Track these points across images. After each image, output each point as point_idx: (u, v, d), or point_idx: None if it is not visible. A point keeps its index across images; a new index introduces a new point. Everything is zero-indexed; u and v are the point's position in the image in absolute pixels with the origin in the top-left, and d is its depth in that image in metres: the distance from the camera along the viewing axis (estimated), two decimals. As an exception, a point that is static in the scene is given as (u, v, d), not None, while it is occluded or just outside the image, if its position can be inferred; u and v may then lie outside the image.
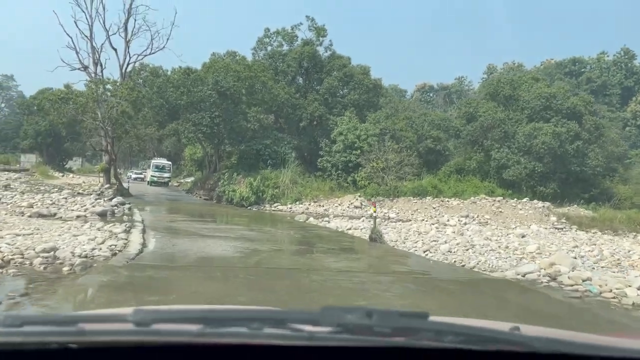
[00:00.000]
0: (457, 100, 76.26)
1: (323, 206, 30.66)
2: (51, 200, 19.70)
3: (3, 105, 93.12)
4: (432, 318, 1.19)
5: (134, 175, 61.09)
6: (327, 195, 32.25)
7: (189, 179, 49.36)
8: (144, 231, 12.51)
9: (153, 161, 49.85)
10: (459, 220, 27.80)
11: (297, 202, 30.79)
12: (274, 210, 29.99)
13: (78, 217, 14.31)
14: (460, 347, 1.11)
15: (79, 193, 27.95)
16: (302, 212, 29.14)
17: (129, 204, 22.33)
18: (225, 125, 33.04)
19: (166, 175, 48.31)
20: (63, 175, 47.29)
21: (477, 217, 29.10)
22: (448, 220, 24.97)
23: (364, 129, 34.83)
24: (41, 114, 34.50)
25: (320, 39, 42.84)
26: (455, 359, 1.15)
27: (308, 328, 1.07)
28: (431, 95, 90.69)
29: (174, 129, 33.51)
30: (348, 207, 30.52)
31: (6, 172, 47.01)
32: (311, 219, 20.87)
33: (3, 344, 0.97)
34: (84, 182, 36.13)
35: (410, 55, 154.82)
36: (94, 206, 17.53)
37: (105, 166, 30.31)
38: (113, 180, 30.55)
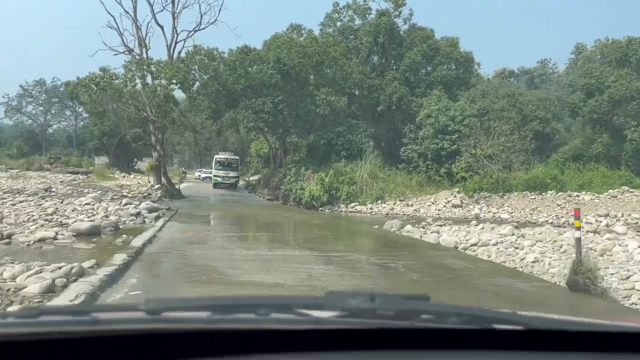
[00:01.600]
0: (541, 85, 67.19)
1: (412, 205, 24.48)
2: (66, 208, 15.25)
3: (81, 109, 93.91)
4: (433, 301, 1.20)
5: (203, 175, 57.10)
6: (415, 192, 26.01)
7: (255, 177, 44.54)
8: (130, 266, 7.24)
9: (215, 157, 39.29)
10: (596, 220, 20.86)
11: (379, 201, 24.85)
12: (350, 212, 24.25)
13: (43, 240, 9.26)
14: (462, 328, 1.12)
15: (122, 196, 23.85)
16: (387, 214, 23.18)
17: (166, 209, 17.58)
18: (290, 112, 27.74)
19: (233, 174, 37.94)
20: (124, 176, 44.44)
21: (622, 216, 21.77)
22: (609, 225, 17.95)
23: (459, 109, 28.15)
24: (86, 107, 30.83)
25: (399, 9, 36.45)
26: (458, 341, 1.12)
27: (314, 313, 1.10)
28: (512, 80, 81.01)
29: (232, 119, 28.74)
30: (444, 206, 24.14)
31: (70, 175, 45.19)
32: (408, 226, 14.86)
33: (22, 335, 0.99)
34: (138, 183, 32.38)
35: (486, 39, 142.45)
36: (107, 216, 12.91)
37: (155, 164, 26.04)
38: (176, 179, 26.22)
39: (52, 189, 25.60)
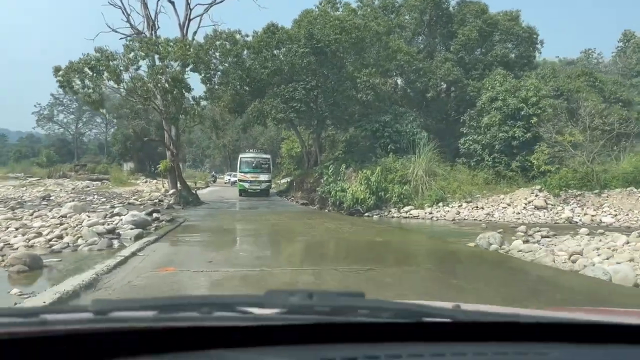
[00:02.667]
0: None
1: (482, 208, 19.51)
2: (29, 222, 11.13)
3: (109, 115, 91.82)
4: (368, 297, 1.25)
5: (232, 178, 51.01)
6: (483, 191, 21.02)
7: (286, 180, 40.01)
8: None
9: (241, 156, 31.01)
10: None
11: (440, 204, 19.99)
12: (405, 218, 19.48)
13: None
14: (394, 321, 1.16)
15: (129, 203, 19.88)
16: (454, 220, 18.34)
17: (168, 220, 13.30)
18: (325, 99, 23.28)
19: (264, 177, 29.83)
20: (146, 182, 40.94)
21: None
22: None
23: (532, 89, 22.98)
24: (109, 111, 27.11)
25: (447, -19, 31.47)
26: (392, 334, 1.16)
27: (255, 310, 1.12)
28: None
29: (258, 110, 24.39)
30: (524, 208, 19.07)
31: (88, 181, 42.26)
32: (517, 242, 9.99)
33: None
34: (156, 188, 28.53)
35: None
36: (61, 236, 8.78)
37: (169, 165, 21.96)
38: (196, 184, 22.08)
39: (51, 197, 21.94)
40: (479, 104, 24.86)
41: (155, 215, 13.65)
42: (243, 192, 29.34)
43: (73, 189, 31.42)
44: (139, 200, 20.70)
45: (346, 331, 1.13)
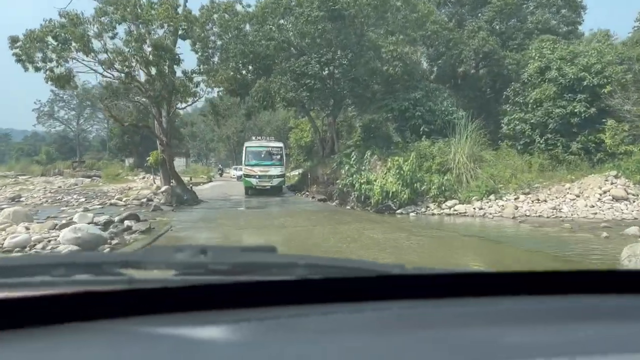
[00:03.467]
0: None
1: (545, 201, 15.72)
2: None
3: (84, 99, 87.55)
4: (280, 252, 1.09)
5: (238, 173, 46.46)
6: (540, 179, 17.20)
7: (297, 172, 36.17)
8: None
9: (246, 145, 25.51)
10: None
11: (492, 197, 16.23)
12: (448, 214, 15.80)
13: None
14: (306, 279, 1.02)
15: (111, 204, 16.40)
16: (514, 216, 14.58)
17: (142, 231, 9.73)
18: (344, 74, 19.51)
19: (275, 170, 24.22)
20: (144, 178, 37.52)
21: None
22: None
23: (595, 53, 19.04)
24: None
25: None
26: (312, 297, 0.98)
27: (130, 272, 0.94)
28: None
29: (264, 89, 20.59)
30: (599, 200, 15.24)
31: (82, 178, 39.23)
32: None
33: None
34: (149, 185, 25.02)
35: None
36: None
37: (160, 157, 18.34)
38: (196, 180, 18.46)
39: (22, 198, 18.46)
40: (525, 76, 20.96)
41: (127, 223, 10.07)
42: (250, 190, 23.76)
43: (59, 187, 28.09)
44: (124, 199, 17.14)
45: (253, 292, 0.90)
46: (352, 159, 18.14)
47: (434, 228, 13.37)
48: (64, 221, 9.53)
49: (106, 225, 9.34)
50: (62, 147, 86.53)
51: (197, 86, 17.39)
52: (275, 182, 23.99)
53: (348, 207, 18.90)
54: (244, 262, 1.03)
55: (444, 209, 16.38)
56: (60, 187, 27.85)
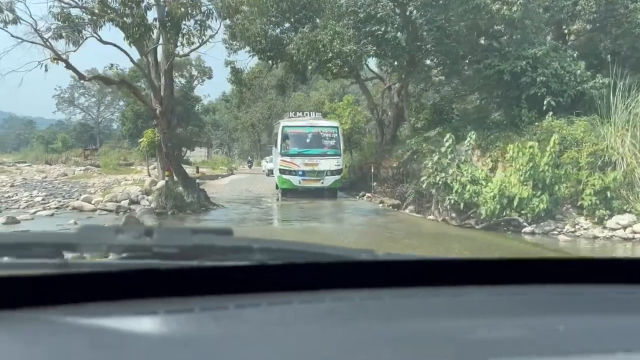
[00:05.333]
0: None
1: None
2: None
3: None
4: (237, 235, 1.03)
5: (268, 165, 36.87)
6: None
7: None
8: None
9: (282, 124, 17.80)
10: None
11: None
12: (622, 238, 9.34)
13: None
14: (264, 264, 0.95)
15: (74, 208, 10.37)
16: None
17: None
18: (429, 21, 13.07)
19: (329, 164, 17.10)
20: (154, 168, 31.58)
21: None
22: None
23: None
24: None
25: None
26: (273, 284, 0.91)
27: (62, 254, 0.88)
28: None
29: (311, 42, 13.68)
30: None
31: (87, 167, 34.16)
32: None
33: None
34: (143, 181, 19.17)
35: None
36: None
37: (154, 139, 12.31)
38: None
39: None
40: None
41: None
42: (288, 192, 16.76)
43: (45, 177, 22.62)
44: (94, 200, 11.10)
45: (202, 279, 0.83)
46: (447, 145, 11.65)
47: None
48: None
49: None
50: (81, 135, 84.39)
51: (206, 16, 11.02)
52: (329, 180, 16.98)
53: (431, 217, 12.59)
54: (194, 245, 0.93)
55: (605, 229, 9.90)
56: (45, 177, 22.39)
